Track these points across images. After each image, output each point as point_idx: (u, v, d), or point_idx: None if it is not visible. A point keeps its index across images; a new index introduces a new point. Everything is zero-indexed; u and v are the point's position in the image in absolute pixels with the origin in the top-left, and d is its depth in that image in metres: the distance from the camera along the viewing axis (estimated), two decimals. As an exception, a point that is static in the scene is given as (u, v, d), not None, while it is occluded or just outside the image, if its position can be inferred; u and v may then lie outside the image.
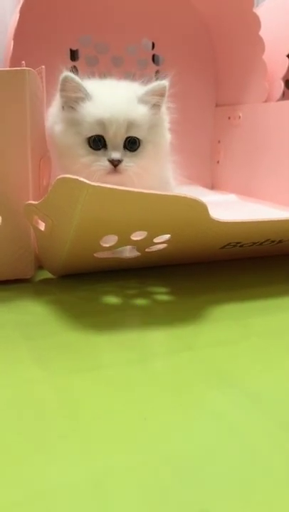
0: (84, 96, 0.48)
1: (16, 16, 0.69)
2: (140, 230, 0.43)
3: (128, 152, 0.48)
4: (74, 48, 0.94)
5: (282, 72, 0.86)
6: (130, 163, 0.47)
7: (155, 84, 0.49)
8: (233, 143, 0.94)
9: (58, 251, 0.45)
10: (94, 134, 0.47)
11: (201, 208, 0.41)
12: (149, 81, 0.51)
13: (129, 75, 0.98)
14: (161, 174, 0.51)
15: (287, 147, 0.81)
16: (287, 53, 0.85)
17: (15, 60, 0.71)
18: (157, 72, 1.01)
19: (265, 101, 0.88)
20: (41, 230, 0.44)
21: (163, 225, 0.43)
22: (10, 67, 0.72)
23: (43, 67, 0.50)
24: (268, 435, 0.27)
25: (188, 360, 0.35)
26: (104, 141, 0.47)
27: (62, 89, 0.48)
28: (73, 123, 0.48)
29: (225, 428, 0.27)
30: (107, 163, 0.47)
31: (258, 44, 0.86)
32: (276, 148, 0.83)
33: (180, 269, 0.54)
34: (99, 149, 0.47)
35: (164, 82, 0.50)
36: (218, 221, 0.42)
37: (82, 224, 0.40)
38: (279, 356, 0.36)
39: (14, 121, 0.43)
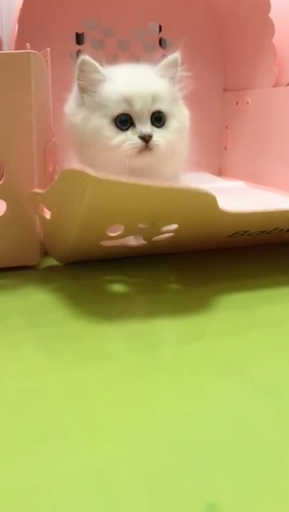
0: (103, 78, 0.48)
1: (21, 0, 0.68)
2: (147, 220, 0.43)
3: (155, 128, 0.47)
4: (80, 32, 0.92)
5: (292, 56, 0.84)
6: (160, 138, 0.46)
7: (168, 57, 0.50)
8: (241, 129, 0.93)
9: (63, 239, 0.44)
10: (120, 112, 0.46)
11: (210, 200, 0.40)
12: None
13: (135, 59, 0.96)
14: (184, 153, 0.51)
15: (297, 133, 0.80)
16: (297, 36, 0.83)
17: (20, 44, 0.70)
18: (164, 55, 0.99)
19: (274, 86, 0.86)
20: (47, 218, 0.43)
21: (171, 215, 0.43)
22: (15, 50, 0.71)
23: (48, 49, 0.49)
24: (276, 425, 0.26)
25: (196, 350, 0.34)
26: (131, 119, 0.47)
27: (81, 73, 0.48)
28: (96, 107, 0.47)
29: (233, 418, 0.27)
30: (138, 140, 0.46)
31: (268, 27, 0.84)
32: (285, 134, 0.82)
33: (187, 257, 0.53)
34: (127, 129, 0.47)
35: (176, 54, 0.50)
36: (225, 212, 0.41)
37: (88, 214, 0.40)
38: (287, 345, 0.35)
39: (19, 105, 0.42)
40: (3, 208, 0.45)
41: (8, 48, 0.76)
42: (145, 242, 0.47)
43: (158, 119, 0.47)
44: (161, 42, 0.99)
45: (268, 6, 0.82)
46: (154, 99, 0.47)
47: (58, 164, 0.51)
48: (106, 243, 0.46)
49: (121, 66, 0.51)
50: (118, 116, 0.46)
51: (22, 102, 0.42)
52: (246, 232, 0.47)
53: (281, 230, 0.49)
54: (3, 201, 0.45)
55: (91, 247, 0.46)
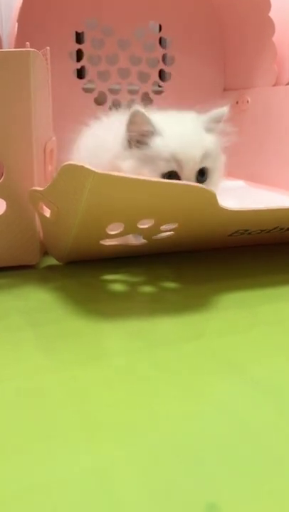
0: (153, 130, 0.47)
1: (20, -2, 0.68)
2: (147, 217, 0.43)
3: (198, 182, 0.48)
4: (79, 31, 0.92)
5: (293, 55, 0.84)
6: None
7: (217, 111, 0.50)
8: (241, 128, 0.93)
9: (63, 237, 0.44)
10: (170, 170, 0.47)
11: (209, 196, 0.40)
12: (208, 109, 0.52)
13: (135, 59, 0.96)
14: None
15: (297, 132, 0.80)
16: (297, 35, 0.83)
17: (19, 42, 0.70)
18: (164, 55, 0.99)
19: (274, 85, 0.86)
20: (46, 217, 0.43)
21: (170, 213, 0.43)
22: (15, 48, 0.70)
23: (48, 48, 0.49)
24: (276, 425, 0.26)
25: (197, 349, 0.34)
26: (178, 175, 0.48)
27: (132, 125, 0.48)
28: (146, 160, 0.47)
29: (233, 418, 0.27)
30: None
31: (268, 26, 0.84)
32: (285, 133, 0.82)
33: (187, 256, 0.53)
34: None
35: (225, 109, 0.50)
36: (226, 209, 0.41)
37: (88, 211, 0.39)
38: (288, 344, 0.35)
39: (18, 103, 0.42)
40: (2, 207, 0.45)
41: (8, 47, 0.76)
42: (145, 241, 0.46)
43: (202, 173, 0.49)
44: (161, 41, 0.99)
45: (268, 5, 0.82)
46: (203, 157, 0.48)
47: (57, 163, 0.51)
48: (106, 242, 0.46)
49: (168, 115, 0.51)
50: (167, 173, 0.47)
51: (21, 100, 0.42)
52: (246, 231, 0.47)
53: (281, 229, 0.49)
54: (2, 200, 0.45)
55: (91, 245, 0.46)
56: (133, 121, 0.47)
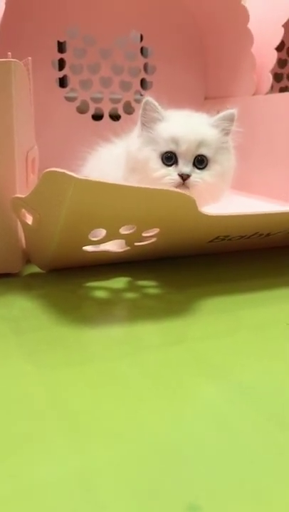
0: (160, 118, 0.53)
1: (2, 8, 0.68)
2: (129, 223, 0.43)
3: (196, 169, 0.51)
4: (61, 40, 0.93)
5: (271, 65, 0.86)
6: (197, 179, 0.51)
7: (225, 112, 0.54)
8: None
9: (46, 245, 0.44)
10: (167, 149, 0.51)
11: (189, 201, 0.41)
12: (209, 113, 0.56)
13: (117, 68, 0.97)
14: (223, 193, 0.55)
15: (276, 140, 0.81)
16: (275, 46, 0.85)
17: (1, 52, 0.70)
18: (146, 64, 1.00)
19: (254, 94, 0.88)
20: (29, 224, 0.43)
21: (152, 218, 0.43)
22: (-4, 58, 0.71)
23: (30, 58, 0.49)
24: (258, 428, 0.27)
25: (179, 353, 0.35)
26: (176, 157, 0.51)
27: (143, 111, 0.53)
28: (149, 141, 0.52)
29: (215, 421, 0.27)
30: (176, 177, 0.50)
31: (247, 37, 0.85)
32: (265, 141, 0.84)
33: (169, 262, 0.54)
34: (171, 165, 0.51)
35: (233, 111, 0.54)
36: (206, 215, 0.42)
37: (70, 218, 0.40)
38: (269, 348, 0.36)
39: (0, 113, 0.42)
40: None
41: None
42: (128, 247, 0.47)
43: (200, 161, 0.52)
44: (142, 50, 1.00)
45: (247, 17, 0.84)
46: (200, 144, 0.51)
47: (39, 171, 0.52)
48: (88, 248, 0.46)
49: (180, 111, 0.56)
50: (165, 153, 0.51)
51: (3, 110, 0.42)
52: (226, 236, 0.48)
53: (261, 235, 0.50)
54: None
55: (73, 252, 0.46)
56: (145, 109, 0.53)
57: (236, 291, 0.46)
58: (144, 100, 0.53)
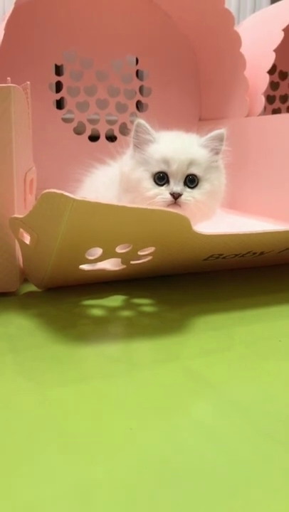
0: (152, 139, 0.55)
1: (1, 33, 0.70)
2: (125, 242, 0.44)
3: (187, 188, 0.53)
4: (59, 64, 0.95)
5: (263, 88, 0.88)
6: (189, 198, 0.52)
7: (214, 132, 0.56)
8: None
9: (43, 264, 0.45)
10: (159, 170, 0.53)
11: (183, 221, 0.42)
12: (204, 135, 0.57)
13: (113, 91, 0.99)
14: (213, 211, 0.57)
15: (269, 161, 0.83)
16: (267, 70, 0.87)
17: (1, 76, 0.72)
18: (141, 87, 1.03)
19: (247, 115, 0.90)
20: (26, 244, 0.44)
21: (147, 238, 0.44)
22: (-5, 82, 0.72)
23: (28, 83, 0.50)
24: (252, 444, 0.27)
25: (174, 371, 0.35)
26: (168, 177, 0.53)
27: (135, 133, 0.55)
28: (142, 162, 0.54)
29: (210, 437, 0.28)
30: (168, 196, 0.52)
31: (240, 61, 0.88)
32: (258, 161, 0.85)
33: (164, 280, 0.54)
34: (162, 184, 0.53)
35: (222, 131, 0.56)
36: (200, 234, 0.43)
37: (67, 237, 0.41)
38: (263, 365, 0.37)
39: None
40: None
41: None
42: (124, 266, 0.48)
43: (191, 180, 0.53)
44: (138, 73, 1.03)
45: (240, 42, 0.86)
46: (190, 163, 0.53)
47: (37, 191, 0.53)
48: (85, 267, 0.47)
49: (171, 132, 0.57)
50: (157, 173, 0.53)
51: (3, 133, 0.43)
52: (221, 255, 0.49)
53: (254, 253, 0.51)
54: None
55: (70, 271, 0.47)
56: (136, 131, 0.55)
57: (230, 309, 0.47)
58: (135, 122, 0.54)
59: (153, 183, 0.53)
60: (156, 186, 0.53)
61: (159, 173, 0.53)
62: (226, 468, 0.25)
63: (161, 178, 0.53)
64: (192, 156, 0.53)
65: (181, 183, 0.53)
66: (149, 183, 0.53)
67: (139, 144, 0.55)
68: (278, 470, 0.25)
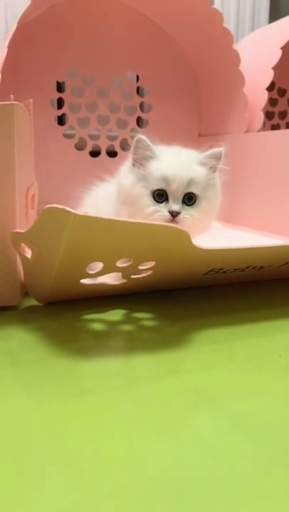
0: (152, 155, 0.55)
1: (4, 51, 0.72)
2: (125, 257, 0.44)
3: (185, 206, 0.54)
4: (60, 80, 0.96)
5: (262, 104, 0.90)
6: (186, 215, 0.53)
7: (213, 150, 0.57)
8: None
9: (44, 278, 0.45)
10: (158, 187, 0.54)
11: (183, 236, 0.42)
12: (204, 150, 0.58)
13: (114, 107, 1.01)
14: (209, 226, 0.58)
15: (268, 176, 0.84)
16: (266, 87, 0.89)
17: (3, 93, 0.73)
18: (142, 103, 1.04)
19: (246, 131, 0.91)
20: (28, 258, 0.45)
21: (147, 252, 0.44)
22: (-2, 99, 0.73)
23: (31, 100, 0.51)
24: (252, 459, 0.27)
25: (174, 385, 0.35)
26: (167, 195, 0.54)
27: (135, 149, 0.55)
28: (141, 178, 0.55)
29: (210, 452, 0.28)
30: (167, 214, 0.53)
31: (239, 78, 0.89)
32: (256, 177, 0.86)
33: (165, 294, 0.55)
34: (161, 202, 0.54)
35: (221, 149, 0.57)
36: (200, 248, 0.44)
37: (68, 252, 0.41)
38: (263, 379, 0.37)
39: (2, 153, 0.44)
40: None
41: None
42: (124, 280, 0.48)
43: (189, 198, 0.54)
44: (138, 90, 1.04)
45: (238, 60, 0.88)
46: (190, 182, 0.54)
47: (38, 205, 0.53)
48: (86, 281, 0.47)
49: (170, 148, 0.58)
50: (156, 190, 0.54)
51: (5, 150, 0.44)
52: (220, 269, 0.49)
53: (254, 268, 0.51)
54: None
55: (71, 285, 0.47)
56: (137, 146, 0.55)
57: (230, 323, 0.47)
58: (136, 138, 0.55)
59: (152, 199, 0.54)
60: (155, 203, 0.53)
61: (159, 190, 0.53)
62: (226, 482, 0.25)
63: (160, 196, 0.53)
64: (191, 175, 0.54)
65: (180, 202, 0.53)
66: (148, 200, 0.54)
67: (139, 160, 0.55)
68: (278, 485, 0.25)
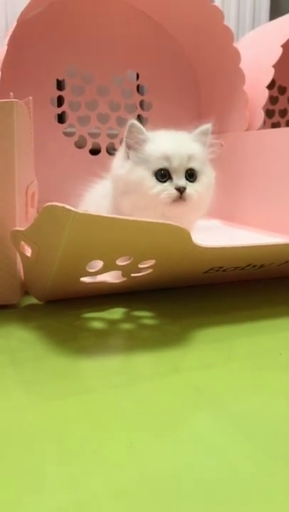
0: (146, 138, 0.55)
1: (4, 49, 0.71)
2: (125, 255, 0.44)
3: (188, 182, 0.54)
4: (60, 78, 0.96)
5: (263, 102, 0.89)
6: (192, 191, 0.54)
7: (202, 127, 0.58)
8: (216, 169, 0.97)
9: (44, 276, 0.45)
10: (161, 167, 0.53)
11: (183, 233, 0.42)
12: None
13: (114, 105, 1.00)
14: (209, 204, 0.58)
15: (268, 174, 0.84)
16: (266, 85, 0.88)
17: (3, 90, 0.72)
18: (142, 101, 1.04)
19: (247, 130, 0.91)
20: (27, 256, 0.44)
21: (148, 250, 0.44)
22: (-2, 97, 0.73)
23: (31, 98, 0.51)
24: (252, 458, 0.27)
25: (174, 383, 0.35)
26: (169, 173, 0.54)
27: (129, 134, 0.55)
28: (140, 161, 0.54)
29: (210, 451, 0.28)
30: (174, 191, 0.53)
31: (239, 76, 0.89)
32: (257, 175, 0.86)
33: (165, 293, 0.54)
34: (165, 181, 0.54)
35: (208, 125, 0.58)
36: (200, 246, 0.43)
37: (68, 250, 0.41)
38: (263, 378, 0.37)
39: (2, 151, 0.44)
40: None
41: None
42: (124, 278, 0.48)
43: (191, 175, 0.55)
44: (138, 88, 1.04)
45: (239, 58, 0.88)
46: (189, 158, 0.54)
47: (38, 203, 0.53)
48: (86, 280, 0.47)
49: (162, 131, 0.58)
50: (159, 170, 0.53)
51: (5, 147, 0.44)
52: (221, 268, 0.49)
53: (254, 266, 0.51)
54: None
55: (71, 283, 0.47)
56: (130, 131, 0.55)
57: (230, 322, 0.47)
58: (129, 123, 0.55)
59: (155, 180, 0.53)
60: (159, 183, 0.53)
61: (161, 170, 0.53)
62: (226, 482, 0.25)
63: (163, 175, 0.53)
64: (191, 151, 0.54)
65: (183, 178, 0.54)
66: (151, 181, 0.53)
67: (134, 144, 0.55)
68: (278, 485, 0.25)
